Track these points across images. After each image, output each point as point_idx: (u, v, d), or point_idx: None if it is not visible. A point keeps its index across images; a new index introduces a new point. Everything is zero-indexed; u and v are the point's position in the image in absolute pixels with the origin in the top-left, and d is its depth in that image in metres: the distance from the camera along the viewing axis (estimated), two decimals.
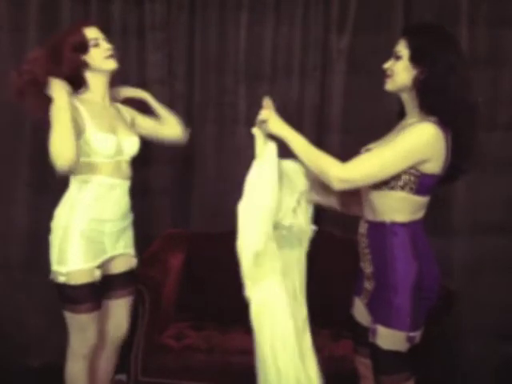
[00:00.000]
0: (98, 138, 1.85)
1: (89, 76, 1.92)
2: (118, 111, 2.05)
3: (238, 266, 2.58)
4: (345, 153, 2.67)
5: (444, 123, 1.52)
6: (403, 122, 1.65)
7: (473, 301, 2.67)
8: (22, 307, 2.82)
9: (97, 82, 1.93)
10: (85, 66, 1.89)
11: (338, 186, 1.53)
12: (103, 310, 1.97)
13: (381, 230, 1.61)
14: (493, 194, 2.69)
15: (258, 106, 2.76)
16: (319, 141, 2.77)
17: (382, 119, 2.71)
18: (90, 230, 1.86)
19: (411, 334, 1.57)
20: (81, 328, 1.89)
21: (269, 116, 1.69)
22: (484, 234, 2.69)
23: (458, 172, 1.65)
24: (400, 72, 1.59)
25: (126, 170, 1.96)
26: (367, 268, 1.67)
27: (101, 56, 1.89)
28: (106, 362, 2.07)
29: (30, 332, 2.83)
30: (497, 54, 2.66)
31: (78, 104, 1.87)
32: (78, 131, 1.82)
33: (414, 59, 1.56)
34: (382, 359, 1.60)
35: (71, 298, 1.85)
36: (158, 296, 2.31)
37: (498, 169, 2.68)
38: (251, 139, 2.84)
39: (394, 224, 1.59)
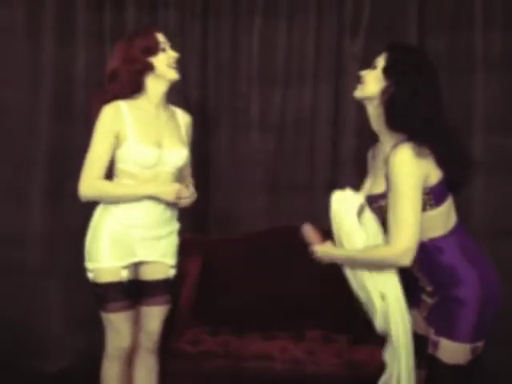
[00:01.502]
0: (138, 149, 1.86)
1: (149, 80, 1.93)
2: (173, 117, 2.04)
3: (254, 271, 2.61)
4: (359, 157, 2.74)
5: (413, 139, 1.53)
6: (380, 153, 1.67)
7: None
8: (38, 312, 2.83)
9: (156, 88, 1.94)
10: (149, 69, 1.90)
11: (405, 261, 1.53)
12: (137, 315, 1.99)
13: (424, 250, 1.58)
14: (509, 197, 2.67)
15: (271, 111, 2.81)
16: (334, 145, 2.78)
17: None
18: (117, 232, 1.90)
19: (475, 345, 1.55)
20: (112, 328, 1.93)
21: (318, 252, 1.75)
22: (501, 239, 2.67)
23: (456, 184, 1.63)
24: (371, 81, 1.63)
25: (169, 180, 1.94)
26: (426, 286, 1.65)
27: (166, 62, 1.92)
28: (143, 370, 2.05)
29: (46, 337, 2.84)
30: (511, 56, 2.64)
31: (126, 111, 1.88)
32: (120, 140, 1.87)
33: (387, 71, 1.59)
34: (443, 373, 1.57)
35: (99, 295, 1.91)
36: (175, 301, 2.31)
37: None
38: (264, 144, 2.89)
39: (433, 240, 1.58)
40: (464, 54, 2.66)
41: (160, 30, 1.96)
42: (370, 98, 1.64)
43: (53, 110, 2.77)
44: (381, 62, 1.63)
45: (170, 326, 2.25)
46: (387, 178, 1.56)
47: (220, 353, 2.24)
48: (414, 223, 1.50)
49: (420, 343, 1.63)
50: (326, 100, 2.76)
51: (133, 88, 1.92)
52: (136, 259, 1.95)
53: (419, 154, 1.50)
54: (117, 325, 1.92)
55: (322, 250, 1.74)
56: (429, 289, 1.64)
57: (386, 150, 1.62)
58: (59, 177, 2.75)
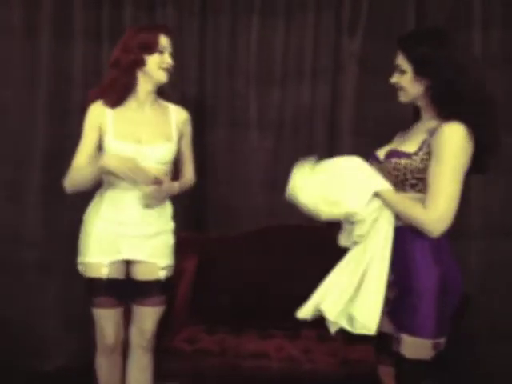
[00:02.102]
0: (114, 144, 1.93)
1: (140, 76, 1.96)
2: (163, 113, 2.05)
3: (251, 270, 2.61)
4: (357, 155, 2.73)
5: (464, 122, 1.52)
6: (421, 125, 1.65)
7: (487, 305, 2.65)
8: (35, 310, 2.84)
9: (143, 85, 1.97)
10: (141, 64, 1.93)
11: (437, 229, 1.50)
12: (128, 313, 2.02)
13: (401, 235, 1.57)
14: (508, 198, 2.67)
15: (269, 110, 2.81)
16: (331, 144, 2.77)
17: (394, 121, 2.71)
18: (103, 229, 1.96)
19: (437, 341, 1.54)
20: (97, 324, 1.99)
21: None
22: (499, 238, 2.67)
23: (480, 168, 1.63)
24: (409, 85, 1.61)
25: (151, 176, 1.94)
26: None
27: (158, 63, 1.94)
28: (137, 368, 2.06)
29: (43, 336, 2.84)
30: (510, 55, 2.64)
31: (109, 108, 1.95)
32: (102, 136, 1.96)
33: (418, 72, 1.57)
34: (407, 368, 1.57)
35: (87, 288, 1.99)
36: (171, 299, 2.31)
37: None
38: (262, 142, 2.89)
39: (410, 227, 1.56)
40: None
41: (169, 34, 1.98)
42: (416, 99, 1.63)
43: (50, 110, 2.77)
44: (405, 65, 1.59)
45: (166, 325, 2.26)
46: (431, 147, 1.53)
47: (216, 351, 2.24)
48: (452, 194, 1.49)
49: (385, 341, 1.63)
50: (323, 99, 2.76)
51: (127, 79, 1.95)
52: (120, 257, 1.97)
53: (466, 133, 1.50)
54: (100, 321, 1.98)
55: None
56: (390, 278, 1.60)
57: (430, 123, 1.59)
58: (57, 176, 2.72)
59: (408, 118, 2.64)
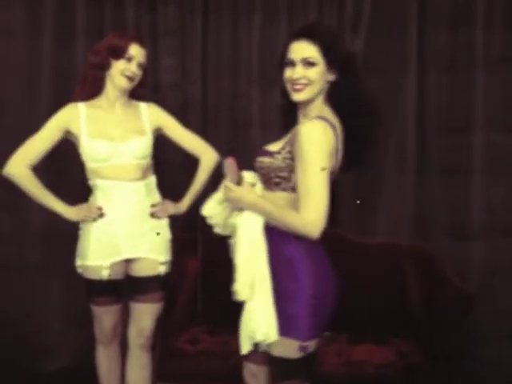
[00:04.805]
0: (90, 144, 1.97)
1: (108, 79, 2.02)
2: (135, 113, 2.10)
3: None
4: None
5: (344, 121, 1.53)
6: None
7: (490, 304, 2.64)
8: (38, 310, 2.84)
9: (110, 88, 2.04)
10: (104, 67, 1.99)
11: (313, 232, 1.45)
12: (127, 309, 2.07)
13: (271, 234, 1.54)
14: (510, 197, 2.66)
15: (271, 109, 2.80)
16: None
17: (395, 121, 2.72)
18: (101, 232, 1.99)
19: (305, 344, 1.52)
20: (96, 318, 2.08)
21: (233, 191, 1.58)
22: (502, 237, 2.66)
23: (352, 164, 1.63)
24: (319, 79, 1.54)
25: (133, 172, 2.01)
26: None
27: (121, 70, 1.98)
28: (136, 367, 2.10)
29: (46, 335, 2.84)
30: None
31: (83, 111, 2.00)
32: (76, 139, 2.01)
33: (331, 62, 1.53)
34: (273, 365, 1.58)
35: (86, 289, 2.05)
36: (174, 300, 2.31)
37: None
38: (265, 142, 2.86)
39: None
40: (465, 53, 2.64)
41: (142, 45, 2.02)
42: (314, 97, 1.56)
43: (53, 109, 2.74)
44: (316, 56, 1.52)
45: (168, 325, 2.26)
46: (293, 147, 1.50)
47: (219, 352, 2.23)
48: (320, 193, 1.44)
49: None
50: None
51: (93, 79, 2.02)
52: (120, 257, 2.00)
53: (327, 129, 1.48)
54: (99, 316, 2.06)
55: (240, 191, 1.56)
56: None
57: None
58: (58, 175, 2.75)
59: (410, 118, 2.68)
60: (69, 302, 2.81)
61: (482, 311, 2.56)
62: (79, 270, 2.05)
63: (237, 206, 1.60)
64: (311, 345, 1.55)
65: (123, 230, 1.99)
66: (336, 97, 1.56)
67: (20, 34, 2.74)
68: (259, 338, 1.53)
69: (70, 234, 2.70)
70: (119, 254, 2.00)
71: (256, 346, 1.60)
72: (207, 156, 2.19)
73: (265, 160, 1.57)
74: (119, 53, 1.97)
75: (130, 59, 1.98)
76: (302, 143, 1.46)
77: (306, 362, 1.56)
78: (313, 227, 1.45)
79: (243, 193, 1.55)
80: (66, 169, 2.72)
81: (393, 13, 2.68)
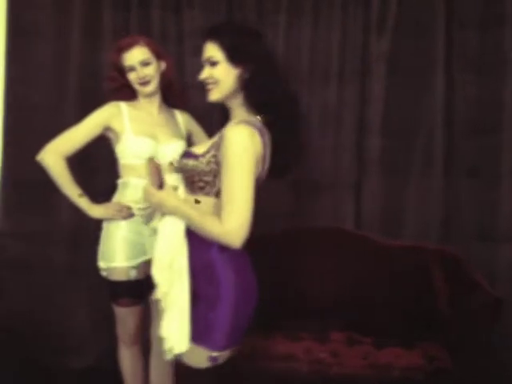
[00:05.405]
0: (133, 141, 1.99)
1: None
2: (172, 119, 2.16)
3: (276, 271, 2.60)
4: (384, 157, 2.70)
5: (267, 121, 1.49)
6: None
7: None
8: (64, 309, 2.86)
9: (141, 95, 2.09)
10: (127, 81, 2.05)
11: (234, 241, 1.40)
12: (149, 310, 2.05)
13: (196, 240, 1.50)
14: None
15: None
16: (358, 145, 2.75)
17: (422, 122, 2.69)
18: (128, 231, 2.00)
19: (214, 354, 1.49)
20: (120, 319, 2.08)
21: (152, 194, 1.55)
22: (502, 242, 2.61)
23: (281, 170, 1.61)
24: (223, 76, 1.51)
25: (167, 172, 1.97)
26: None
27: (133, 81, 2.03)
28: (159, 367, 2.08)
29: (71, 334, 2.86)
30: None
31: (125, 109, 2.03)
32: (117, 135, 2.01)
33: (233, 59, 1.50)
34: (182, 372, 1.56)
35: (111, 291, 2.05)
36: None
37: None
38: None
39: None
40: (493, 53, 2.60)
41: (133, 45, 2.01)
42: (229, 96, 1.55)
43: (80, 110, 2.78)
44: (217, 54, 1.51)
45: None
46: (220, 152, 1.47)
47: (245, 353, 2.22)
48: (243, 202, 1.39)
49: None
50: (350, 99, 2.72)
51: (129, 89, 2.07)
52: (146, 257, 2.01)
53: (254, 135, 1.43)
54: (124, 317, 2.07)
55: (161, 195, 1.53)
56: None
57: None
58: (84, 174, 2.77)
59: (437, 119, 2.65)
60: (95, 301, 2.82)
61: (508, 316, 2.51)
62: (103, 273, 2.05)
63: (158, 211, 1.58)
64: (222, 356, 1.50)
65: (148, 229, 2.00)
66: (249, 91, 1.52)
67: (48, 35, 2.78)
68: (169, 347, 1.50)
69: (96, 234, 2.75)
70: (145, 254, 2.01)
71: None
72: None
73: (189, 163, 1.52)
74: (121, 68, 2.02)
75: (131, 69, 2.01)
76: (226, 148, 1.41)
77: (215, 373, 1.52)
78: (234, 236, 1.39)
79: (164, 197, 1.52)
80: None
81: (419, 12, 2.65)
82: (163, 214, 1.55)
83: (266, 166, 1.55)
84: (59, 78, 2.80)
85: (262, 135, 1.47)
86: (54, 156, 1.99)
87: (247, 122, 1.47)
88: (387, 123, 2.71)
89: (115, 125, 2.01)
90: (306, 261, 2.61)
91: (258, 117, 1.53)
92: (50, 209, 2.84)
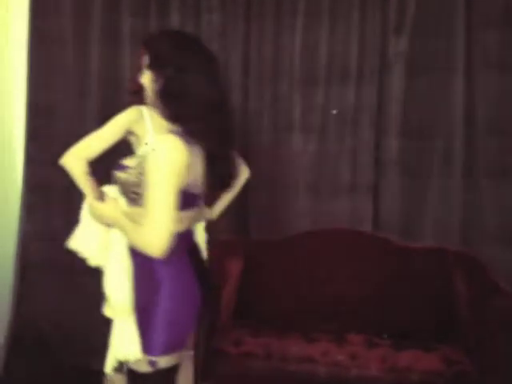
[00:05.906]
0: None
1: None
2: None
3: (295, 273, 2.60)
4: (403, 158, 2.68)
5: (189, 132, 1.43)
6: None
7: None
8: (87, 311, 2.90)
9: None
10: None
11: (154, 251, 1.36)
12: None
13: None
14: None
15: (313, 112, 2.79)
16: (377, 146, 2.73)
17: (442, 123, 2.66)
18: None
19: (152, 359, 1.47)
20: None
21: (93, 208, 1.58)
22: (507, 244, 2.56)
23: (221, 182, 1.56)
24: (147, 84, 1.53)
25: None
26: None
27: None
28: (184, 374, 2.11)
29: (94, 335, 2.90)
30: None
31: (146, 113, 2.02)
32: (140, 139, 2.00)
33: (151, 66, 1.49)
34: (128, 377, 1.55)
35: None
36: (217, 302, 2.33)
37: None
38: (306, 145, 2.87)
39: None
40: None
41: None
42: (154, 102, 1.54)
43: (100, 116, 2.84)
44: (144, 61, 1.53)
45: (212, 327, 2.28)
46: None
47: (262, 354, 2.24)
48: (162, 214, 1.34)
49: None
50: (369, 100, 2.71)
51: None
52: None
53: (179, 145, 1.38)
54: None
55: (102, 207, 1.54)
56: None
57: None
58: (107, 179, 2.82)
59: (457, 119, 2.62)
60: None
61: None
62: None
63: (103, 224, 1.59)
64: (163, 361, 1.49)
65: None
66: (161, 101, 1.50)
67: (68, 42, 2.84)
68: (120, 357, 1.53)
69: None
70: None
71: (121, 363, 1.59)
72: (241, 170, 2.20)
73: (121, 175, 1.53)
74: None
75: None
76: (148, 160, 1.38)
77: (161, 377, 1.51)
78: (152, 248, 1.36)
79: (105, 208, 1.53)
80: None
81: (438, 11, 2.62)
82: (108, 226, 1.58)
83: (198, 176, 1.50)
84: (80, 84, 2.85)
85: (188, 144, 1.43)
86: (77, 160, 2.01)
87: (175, 132, 1.44)
88: (406, 124, 2.69)
89: (137, 129, 2.01)
90: (324, 263, 2.61)
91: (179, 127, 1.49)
92: (72, 211, 2.89)
